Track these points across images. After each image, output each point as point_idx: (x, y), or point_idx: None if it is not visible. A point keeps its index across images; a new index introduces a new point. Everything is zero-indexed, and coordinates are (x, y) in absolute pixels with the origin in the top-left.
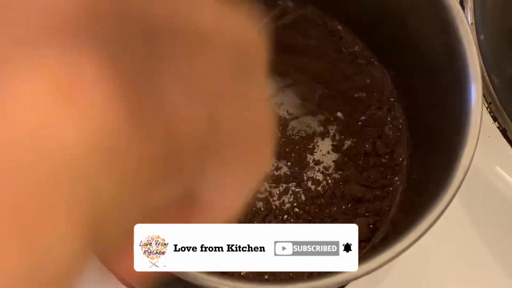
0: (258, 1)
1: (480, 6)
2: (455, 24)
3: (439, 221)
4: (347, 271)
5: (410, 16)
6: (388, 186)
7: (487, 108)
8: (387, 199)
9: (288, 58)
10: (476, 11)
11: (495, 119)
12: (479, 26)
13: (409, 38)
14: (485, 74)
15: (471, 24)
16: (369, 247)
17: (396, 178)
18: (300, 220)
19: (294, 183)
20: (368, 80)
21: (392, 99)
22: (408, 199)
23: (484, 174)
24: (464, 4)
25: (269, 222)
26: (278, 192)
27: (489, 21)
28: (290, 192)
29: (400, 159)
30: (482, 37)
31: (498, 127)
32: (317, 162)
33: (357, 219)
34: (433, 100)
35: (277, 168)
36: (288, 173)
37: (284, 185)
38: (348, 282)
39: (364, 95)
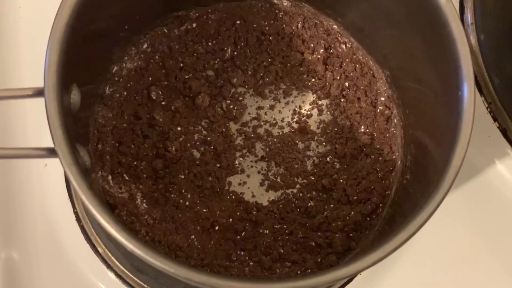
0: (257, 0)
1: (480, 5)
2: (449, 25)
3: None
4: (335, 271)
5: (404, 17)
6: (382, 187)
7: (487, 108)
8: (380, 199)
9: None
10: (476, 11)
11: (495, 119)
12: (479, 26)
13: (403, 38)
14: (485, 74)
15: (471, 23)
16: (361, 245)
17: (390, 178)
18: (294, 223)
19: (285, 187)
20: (363, 81)
21: (386, 99)
22: (400, 199)
23: (484, 173)
24: (464, 4)
25: (261, 224)
26: (269, 197)
27: (489, 20)
28: (284, 196)
29: (394, 158)
30: (482, 37)
31: (498, 127)
32: (312, 163)
33: (350, 219)
34: (427, 99)
35: (269, 169)
36: (280, 176)
37: (276, 190)
38: (337, 281)
39: (359, 94)
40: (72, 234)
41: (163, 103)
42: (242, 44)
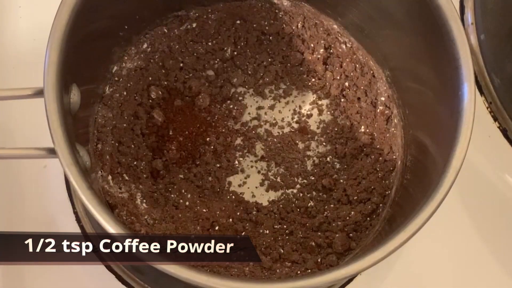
0: (257, 0)
1: (480, 5)
2: (449, 25)
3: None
4: (335, 271)
5: (404, 16)
6: (382, 186)
7: (487, 108)
8: (380, 199)
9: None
10: (476, 10)
11: (495, 119)
12: (480, 25)
13: (403, 38)
14: (486, 73)
15: (472, 23)
16: (362, 245)
17: (391, 178)
18: (294, 223)
19: (285, 187)
20: (363, 80)
21: (386, 99)
22: (400, 199)
23: (484, 173)
24: (465, 4)
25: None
26: (269, 197)
27: (489, 20)
28: (284, 196)
29: (394, 158)
30: (482, 36)
31: (498, 127)
32: (312, 163)
33: (350, 219)
34: (427, 99)
35: (269, 169)
36: (280, 176)
37: (276, 190)
38: (337, 281)
39: (359, 94)
40: None
41: (163, 103)
42: (242, 44)
